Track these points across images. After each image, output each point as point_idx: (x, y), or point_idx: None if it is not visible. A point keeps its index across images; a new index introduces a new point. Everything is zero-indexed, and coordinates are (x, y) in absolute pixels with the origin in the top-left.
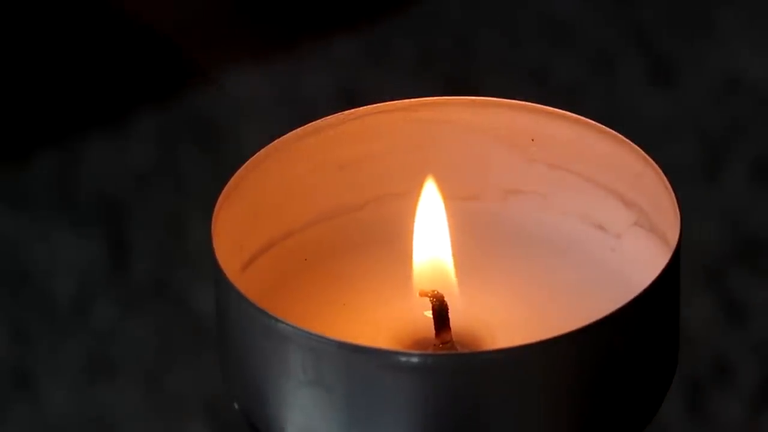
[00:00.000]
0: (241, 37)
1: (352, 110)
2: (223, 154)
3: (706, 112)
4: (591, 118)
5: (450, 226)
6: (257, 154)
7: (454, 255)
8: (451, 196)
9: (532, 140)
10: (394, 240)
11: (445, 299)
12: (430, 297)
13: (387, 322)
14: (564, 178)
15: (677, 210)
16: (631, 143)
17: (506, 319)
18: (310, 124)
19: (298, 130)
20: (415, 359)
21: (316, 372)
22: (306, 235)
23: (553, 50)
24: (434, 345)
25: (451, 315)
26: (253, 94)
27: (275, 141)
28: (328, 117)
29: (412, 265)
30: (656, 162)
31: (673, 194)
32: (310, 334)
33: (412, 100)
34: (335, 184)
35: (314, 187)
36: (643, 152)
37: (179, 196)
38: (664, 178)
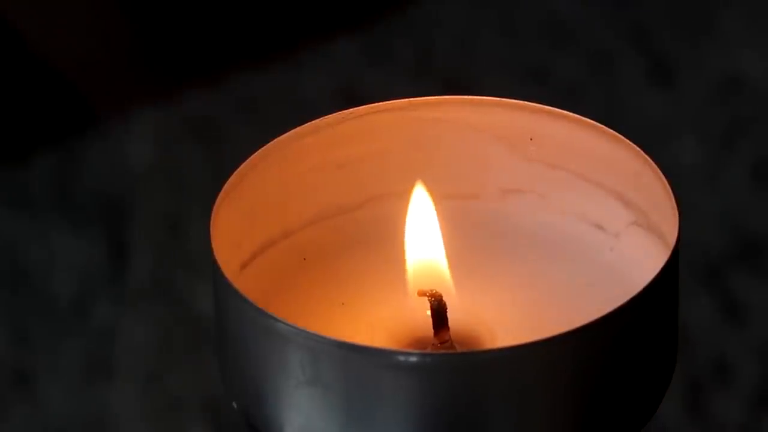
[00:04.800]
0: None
1: (351, 110)
2: (223, 154)
3: (706, 112)
4: (591, 118)
5: (448, 226)
6: (256, 153)
7: (452, 255)
8: (449, 195)
9: (531, 140)
10: (392, 239)
11: (444, 299)
12: (428, 296)
13: (385, 322)
14: (563, 177)
15: (676, 209)
16: (630, 143)
17: (505, 319)
18: (308, 123)
19: (297, 129)
20: (413, 359)
21: (315, 371)
22: (305, 235)
23: (553, 50)
24: (433, 344)
25: (449, 314)
26: (253, 93)
27: (274, 140)
28: (327, 116)
29: (406, 266)
30: (656, 162)
31: (671, 193)
32: (309, 333)
33: (411, 99)
34: (334, 183)
35: (313, 186)
36: (642, 152)
37: (179, 196)
38: (663, 178)
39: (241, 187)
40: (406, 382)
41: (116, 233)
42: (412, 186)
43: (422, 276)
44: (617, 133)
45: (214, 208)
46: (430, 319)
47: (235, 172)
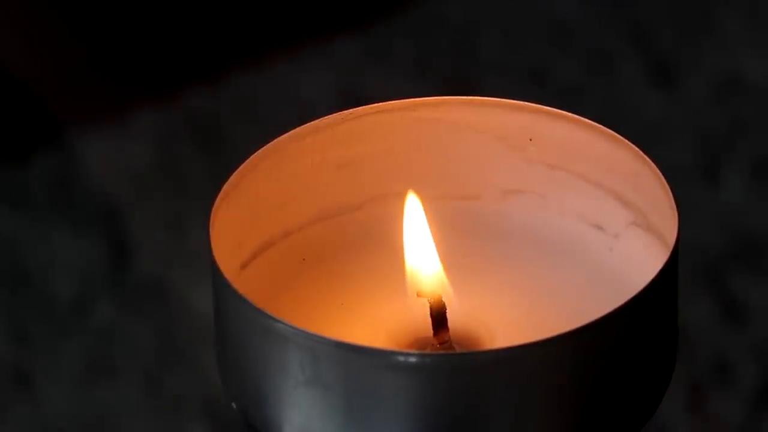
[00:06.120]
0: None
1: (351, 110)
2: (223, 154)
3: (706, 112)
4: (590, 118)
5: (448, 226)
6: (256, 153)
7: (452, 255)
8: (449, 195)
9: (531, 140)
10: (392, 240)
11: (443, 299)
12: (427, 297)
13: (385, 322)
14: (562, 178)
15: (675, 209)
16: (629, 143)
17: (504, 319)
18: (308, 123)
19: (297, 129)
20: (413, 359)
21: (314, 372)
22: (304, 235)
23: (553, 50)
24: (432, 345)
25: (449, 315)
26: (253, 93)
27: (274, 141)
28: (327, 117)
29: (405, 270)
30: (655, 162)
31: (670, 194)
32: (308, 333)
33: (411, 99)
34: (333, 183)
35: (312, 186)
36: (641, 152)
37: (179, 196)
38: (662, 178)
39: (241, 187)
40: (405, 383)
41: (116, 233)
42: (411, 186)
43: (421, 278)
44: (616, 134)
45: (214, 208)
46: (430, 320)
47: (235, 172)
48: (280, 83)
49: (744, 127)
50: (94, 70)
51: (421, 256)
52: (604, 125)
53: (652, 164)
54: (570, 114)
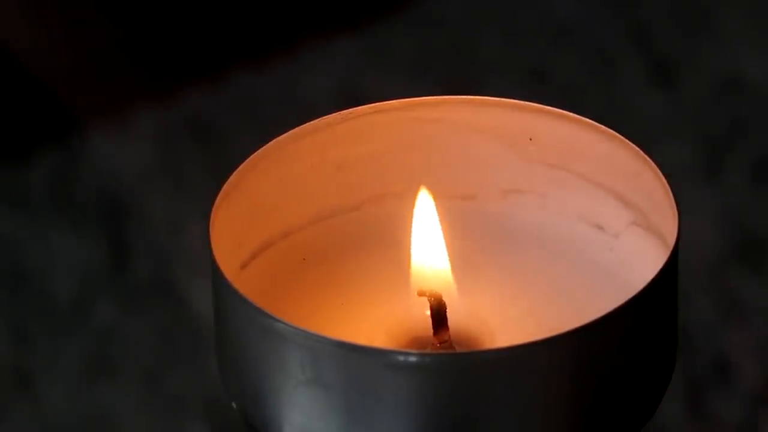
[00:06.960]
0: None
1: (351, 110)
2: (223, 154)
3: (706, 112)
4: (591, 118)
5: (448, 226)
6: (256, 153)
7: (452, 255)
8: (449, 195)
9: (531, 140)
10: (392, 239)
11: (443, 299)
12: (428, 296)
13: (385, 322)
14: (562, 177)
15: (675, 209)
16: (630, 143)
17: (504, 319)
18: (308, 123)
19: (297, 129)
20: (413, 358)
21: (314, 371)
22: (304, 235)
23: (553, 50)
24: (432, 344)
25: (449, 314)
26: (253, 93)
27: (274, 140)
28: (327, 116)
29: (410, 267)
30: (656, 162)
31: (671, 193)
32: (308, 333)
33: (411, 99)
34: (333, 183)
35: (312, 186)
36: (641, 152)
37: (179, 196)
38: (663, 178)
39: (240, 187)
40: (405, 382)
41: (116, 233)
42: (411, 186)
43: (425, 277)
44: (617, 133)
45: (214, 208)
46: (430, 319)
47: (235, 172)
48: (280, 83)
49: (744, 127)
50: (94, 69)
51: (427, 254)
52: (604, 125)
53: (653, 164)
54: (570, 114)
